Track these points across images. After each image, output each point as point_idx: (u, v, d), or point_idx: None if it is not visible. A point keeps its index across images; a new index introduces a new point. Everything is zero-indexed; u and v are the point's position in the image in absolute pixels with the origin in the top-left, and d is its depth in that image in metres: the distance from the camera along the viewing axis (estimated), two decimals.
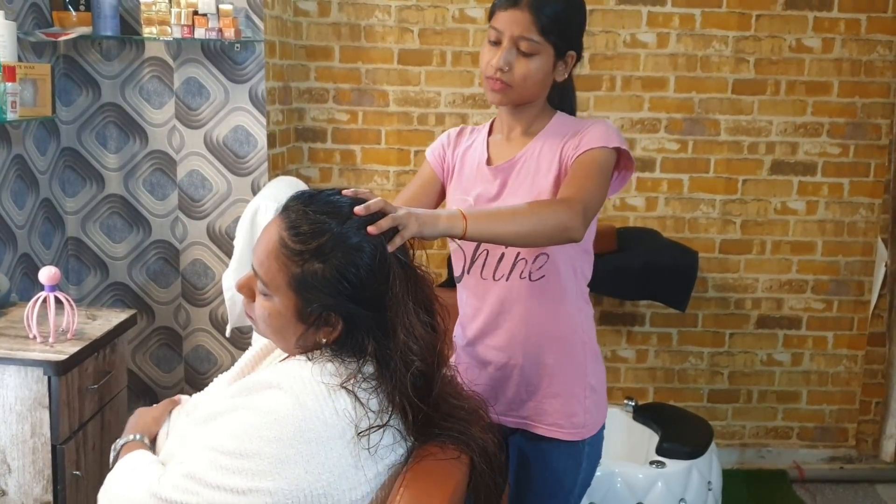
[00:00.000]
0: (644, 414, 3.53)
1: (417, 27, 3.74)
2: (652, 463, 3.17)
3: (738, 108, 3.84)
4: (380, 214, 1.52)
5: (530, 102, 2.00)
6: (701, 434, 3.36)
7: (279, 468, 1.41)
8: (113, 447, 1.72)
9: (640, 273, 3.45)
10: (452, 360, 2.14)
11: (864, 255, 3.97)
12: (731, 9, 3.76)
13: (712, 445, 3.33)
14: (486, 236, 1.70)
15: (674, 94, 3.82)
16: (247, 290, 1.60)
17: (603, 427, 2.11)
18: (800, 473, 4.04)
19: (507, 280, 1.99)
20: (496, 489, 1.68)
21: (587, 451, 2.07)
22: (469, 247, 2.03)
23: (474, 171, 2.04)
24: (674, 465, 3.16)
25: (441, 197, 2.16)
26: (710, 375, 4.04)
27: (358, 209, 1.50)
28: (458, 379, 1.73)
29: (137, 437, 1.72)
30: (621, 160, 1.96)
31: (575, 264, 2.01)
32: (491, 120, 2.12)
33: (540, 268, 1.96)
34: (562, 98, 2.08)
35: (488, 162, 2.04)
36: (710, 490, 3.21)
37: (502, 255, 1.98)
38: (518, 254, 1.97)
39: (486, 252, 2.01)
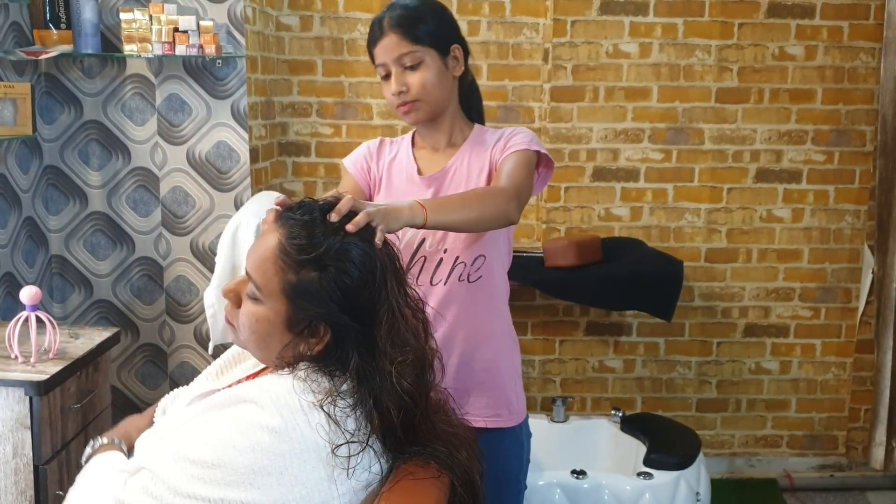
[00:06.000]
0: (631, 425, 3.52)
1: None
2: (639, 474, 3.16)
3: (722, 117, 3.84)
4: (352, 213, 1.54)
5: (444, 110, 2.11)
6: (688, 444, 3.35)
7: (252, 478, 1.40)
8: (90, 445, 1.72)
9: (625, 283, 3.45)
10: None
11: (851, 262, 3.97)
12: (713, 18, 3.77)
13: (700, 456, 3.32)
14: (442, 224, 1.81)
15: (657, 103, 3.82)
16: (233, 294, 1.60)
17: None
18: (790, 482, 4.04)
19: (444, 284, 2.08)
20: None
21: (525, 432, 2.23)
22: (406, 251, 2.09)
23: (405, 183, 2.15)
24: (661, 477, 3.15)
25: None
26: (698, 384, 4.04)
27: (332, 215, 1.52)
28: (450, 404, 1.72)
29: (115, 440, 1.72)
30: (541, 162, 2.13)
31: (503, 262, 2.17)
32: (410, 133, 2.23)
33: (478, 269, 2.08)
34: (469, 107, 2.20)
35: (419, 173, 2.15)
36: (698, 501, 3.20)
37: (440, 260, 2.08)
38: (457, 257, 2.07)
39: (423, 258, 2.09)
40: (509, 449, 2.19)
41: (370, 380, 1.50)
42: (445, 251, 2.08)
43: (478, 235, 2.05)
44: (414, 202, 1.74)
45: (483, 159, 2.09)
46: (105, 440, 1.72)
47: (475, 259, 2.07)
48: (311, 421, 1.44)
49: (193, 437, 1.46)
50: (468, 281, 2.08)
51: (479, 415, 2.11)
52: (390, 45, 2.02)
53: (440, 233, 2.04)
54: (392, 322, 1.52)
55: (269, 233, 1.55)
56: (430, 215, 1.75)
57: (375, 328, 1.51)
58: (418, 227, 1.76)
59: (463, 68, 2.12)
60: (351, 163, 2.23)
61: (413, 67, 2.03)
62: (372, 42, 2.07)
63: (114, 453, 1.67)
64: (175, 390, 1.84)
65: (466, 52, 2.12)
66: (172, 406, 1.78)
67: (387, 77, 2.06)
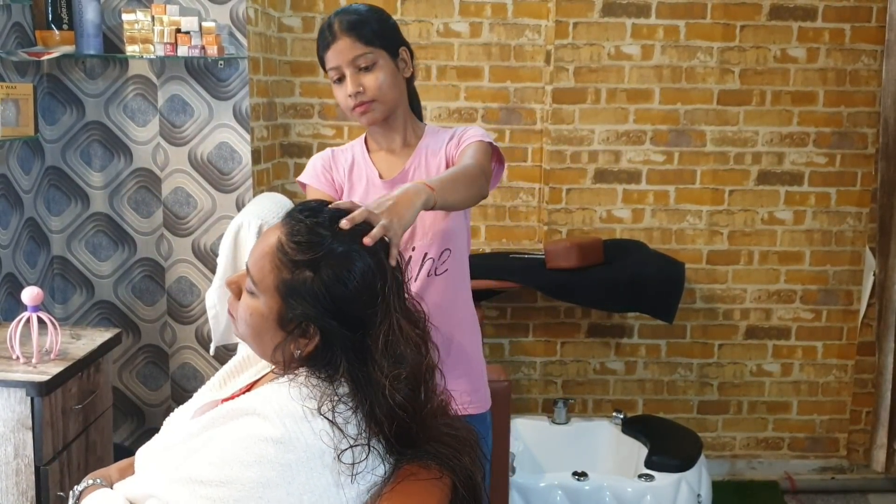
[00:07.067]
0: (633, 426, 3.53)
1: None
2: (641, 476, 3.17)
3: (724, 119, 3.84)
4: (366, 224, 1.55)
5: (395, 110, 2.15)
6: (690, 446, 3.35)
7: (261, 492, 1.40)
8: (72, 493, 1.69)
9: (627, 285, 3.45)
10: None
11: (853, 264, 3.97)
12: (715, 20, 3.77)
13: (702, 458, 3.33)
14: (446, 203, 1.87)
15: (659, 105, 3.82)
16: (235, 286, 1.62)
17: None
18: (791, 484, 4.04)
19: (415, 280, 2.12)
20: None
21: (489, 420, 2.28)
22: None
23: (366, 187, 2.18)
24: (663, 479, 3.15)
25: None
26: (699, 387, 4.03)
27: (343, 223, 1.52)
28: (452, 406, 1.72)
29: (98, 481, 1.70)
30: (493, 157, 2.17)
31: (466, 250, 2.23)
32: (361, 137, 2.25)
33: (444, 262, 2.14)
34: (411, 107, 2.24)
35: (380, 177, 2.19)
36: (699, 503, 3.20)
37: (409, 258, 2.11)
38: (426, 254, 2.13)
39: None
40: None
41: (363, 384, 1.50)
42: (414, 249, 2.13)
43: (444, 231, 2.11)
44: (421, 184, 1.79)
45: (439, 157, 2.15)
46: (89, 482, 1.69)
47: (441, 253, 2.14)
48: (315, 428, 1.44)
49: (199, 458, 1.45)
50: (435, 274, 2.14)
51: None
52: (344, 48, 2.06)
53: (407, 232, 2.03)
54: (389, 337, 1.52)
55: (274, 230, 1.57)
56: (438, 196, 1.80)
57: (370, 340, 1.51)
58: (428, 210, 1.80)
59: (412, 70, 2.18)
60: (312, 178, 2.23)
61: (367, 68, 2.07)
62: (323, 47, 2.10)
63: (106, 490, 1.64)
64: (167, 418, 1.78)
65: (412, 55, 2.18)
66: (176, 416, 1.76)
67: (339, 80, 2.10)
